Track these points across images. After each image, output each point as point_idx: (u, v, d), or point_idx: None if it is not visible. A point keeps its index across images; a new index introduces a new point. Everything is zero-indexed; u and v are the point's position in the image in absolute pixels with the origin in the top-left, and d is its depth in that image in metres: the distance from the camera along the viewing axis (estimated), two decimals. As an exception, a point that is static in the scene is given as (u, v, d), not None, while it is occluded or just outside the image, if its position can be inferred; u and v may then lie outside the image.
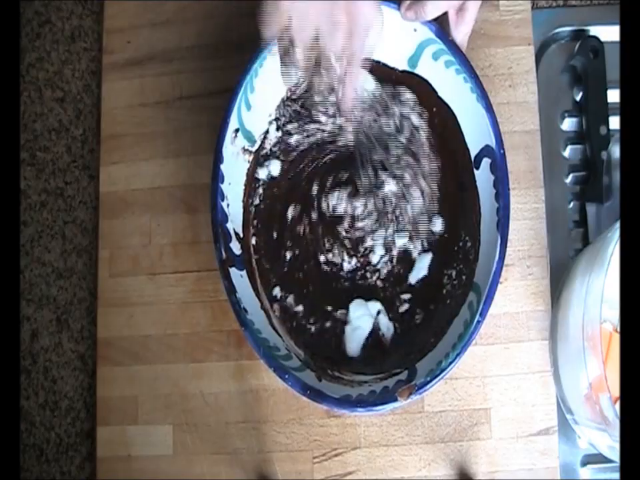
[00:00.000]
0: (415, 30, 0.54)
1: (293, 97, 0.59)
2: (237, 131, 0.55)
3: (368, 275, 0.58)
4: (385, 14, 0.53)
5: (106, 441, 0.60)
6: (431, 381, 0.49)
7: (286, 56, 0.48)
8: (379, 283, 0.58)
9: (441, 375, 0.49)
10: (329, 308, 0.57)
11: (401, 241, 0.58)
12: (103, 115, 0.65)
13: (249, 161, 0.58)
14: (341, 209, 0.59)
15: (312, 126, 0.60)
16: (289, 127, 0.60)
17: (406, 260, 0.58)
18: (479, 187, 0.55)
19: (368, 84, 0.58)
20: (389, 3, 0.53)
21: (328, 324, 0.57)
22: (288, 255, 0.59)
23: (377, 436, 0.58)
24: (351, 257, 0.58)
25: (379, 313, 0.57)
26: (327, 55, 0.48)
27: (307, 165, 0.60)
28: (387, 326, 0.57)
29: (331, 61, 0.48)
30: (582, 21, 0.63)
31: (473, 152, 0.55)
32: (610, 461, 0.56)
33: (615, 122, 0.60)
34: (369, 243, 0.58)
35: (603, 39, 0.61)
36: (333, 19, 0.45)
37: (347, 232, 0.59)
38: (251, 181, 0.58)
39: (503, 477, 0.57)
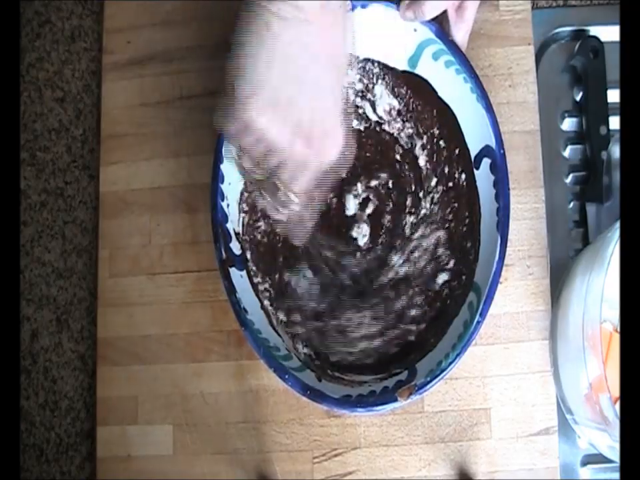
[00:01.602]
0: (415, 30, 0.54)
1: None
2: (237, 130, 0.55)
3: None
4: (384, 14, 0.54)
5: (106, 441, 0.60)
6: (431, 381, 0.49)
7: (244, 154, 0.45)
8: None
9: (441, 375, 0.49)
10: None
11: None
12: (103, 115, 0.65)
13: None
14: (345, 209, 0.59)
15: None
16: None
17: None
18: (479, 187, 0.55)
19: None
20: (388, 2, 0.53)
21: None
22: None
23: (377, 436, 0.58)
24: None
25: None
26: (274, 180, 0.45)
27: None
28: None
29: (276, 187, 0.45)
30: (582, 21, 0.63)
31: (473, 152, 0.55)
32: (610, 461, 0.56)
33: (615, 122, 0.60)
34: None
35: (603, 39, 0.60)
36: (295, 140, 0.41)
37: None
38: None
39: (502, 477, 0.57)
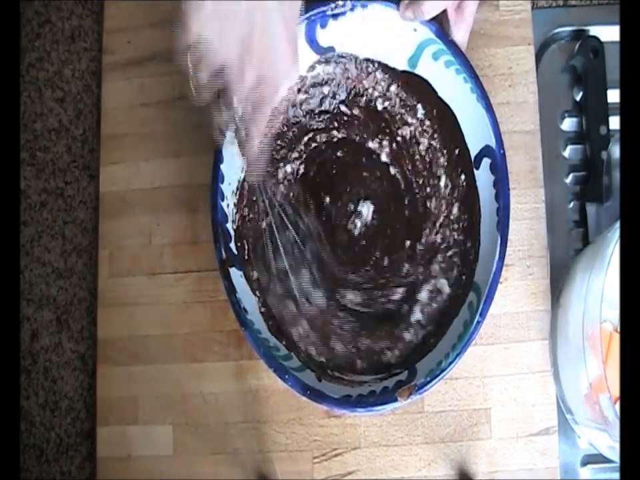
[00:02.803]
0: (415, 30, 0.54)
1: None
2: (237, 130, 0.55)
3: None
4: (384, 14, 0.54)
5: (106, 440, 0.60)
6: (431, 381, 0.49)
7: (195, 72, 0.45)
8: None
9: (441, 375, 0.49)
10: None
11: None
12: (103, 115, 0.65)
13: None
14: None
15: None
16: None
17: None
18: (479, 187, 0.55)
19: None
20: (388, 2, 0.53)
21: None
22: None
23: (377, 436, 0.58)
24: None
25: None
26: (229, 93, 0.44)
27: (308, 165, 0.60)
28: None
29: (233, 100, 0.45)
30: (582, 21, 0.63)
31: (473, 152, 0.55)
32: (610, 461, 0.56)
33: (615, 122, 0.60)
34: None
35: (603, 39, 0.60)
36: (243, 59, 0.42)
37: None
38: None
39: (502, 477, 0.57)
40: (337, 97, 0.60)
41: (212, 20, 0.41)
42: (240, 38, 0.42)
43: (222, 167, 0.53)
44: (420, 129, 0.59)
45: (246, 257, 0.56)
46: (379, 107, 0.60)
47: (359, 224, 0.59)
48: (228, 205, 0.55)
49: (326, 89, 0.59)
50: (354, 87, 0.59)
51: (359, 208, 0.59)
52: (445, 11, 0.52)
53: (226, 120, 0.47)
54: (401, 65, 0.57)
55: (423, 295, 0.57)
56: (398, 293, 0.57)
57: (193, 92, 0.46)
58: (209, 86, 0.44)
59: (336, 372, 0.55)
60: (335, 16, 0.54)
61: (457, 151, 0.57)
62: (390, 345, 0.56)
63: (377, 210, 0.59)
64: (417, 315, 0.56)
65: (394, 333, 0.56)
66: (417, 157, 0.59)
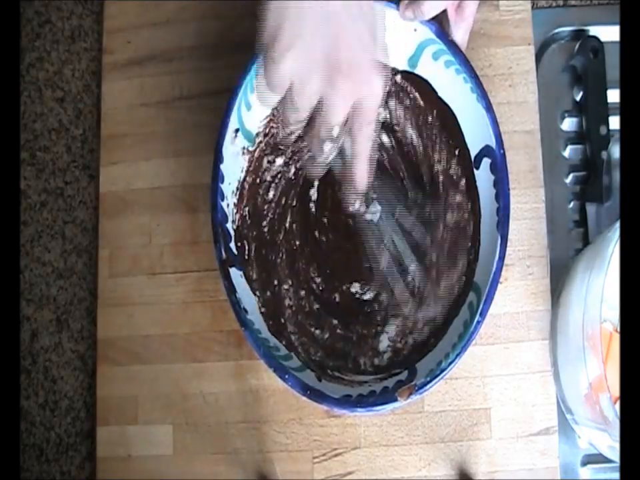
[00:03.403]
0: (415, 30, 0.54)
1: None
2: (237, 131, 0.55)
3: None
4: (384, 14, 0.53)
5: (106, 440, 0.60)
6: (431, 381, 0.49)
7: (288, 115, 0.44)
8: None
9: (441, 375, 0.49)
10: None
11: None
12: (103, 115, 0.65)
13: (249, 161, 0.57)
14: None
15: None
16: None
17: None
18: (479, 187, 0.55)
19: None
20: (388, 2, 0.53)
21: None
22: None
23: (377, 436, 0.58)
24: None
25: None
26: (328, 125, 0.44)
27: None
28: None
29: (332, 132, 0.44)
30: (582, 21, 0.63)
31: (473, 152, 0.55)
32: (610, 461, 0.56)
33: (615, 122, 0.60)
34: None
35: (603, 39, 0.60)
36: (336, 88, 0.42)
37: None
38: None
39: (502, 477, 0.57)
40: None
41: (292, 45, 0.40)
42: (322, 57, 0.41)
43: (222, 167, 0.53)
44: (420, 129, 0.59)
45: (246, 257, 0.56)
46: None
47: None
48: (228, 205, 0.54)
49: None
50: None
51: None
52: (445, 11, 0.52)
53: (327, 152, 0.46)
54: (401, 65, 0.57)
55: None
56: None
57: (285, 136, 0.47)
58: (307, 124, 0.44)
59: (336, 372, 0.55)
60: (335, 16, 0.54)
61: (456, 151, 0.57)
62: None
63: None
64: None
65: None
66: (417, 157, 0.59)
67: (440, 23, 0.53)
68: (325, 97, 0.42)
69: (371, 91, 0.43)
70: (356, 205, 0.51)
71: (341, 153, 0.47)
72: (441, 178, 0.58)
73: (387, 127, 0.60)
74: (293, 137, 0.49)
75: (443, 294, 0.54)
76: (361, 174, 0.47)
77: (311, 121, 0.45)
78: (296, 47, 0.40)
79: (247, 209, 0.57)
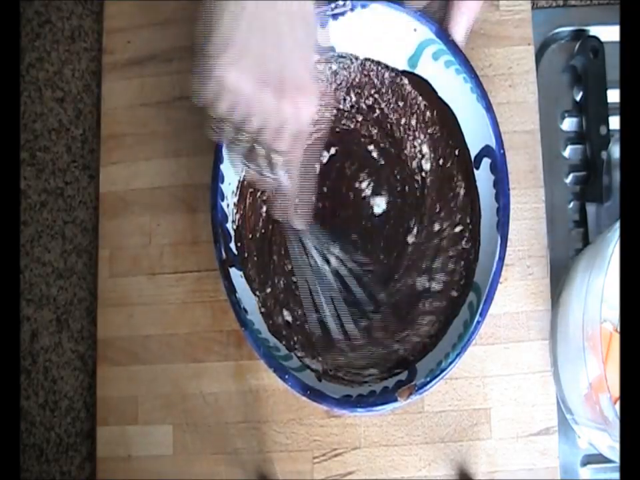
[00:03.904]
0: (415, 30, 0.54)
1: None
2: (237, 130, 0.55)
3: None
4: (384, 14, 0.53)
5: (106, 440, 0.60)
6: (431, 381, 0.49)
7: (232, 144, 0.45)
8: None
9: (441, 375, 0.49)
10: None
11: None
12: (103, 115, 0.65)
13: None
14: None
15: None
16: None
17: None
18: (479, 187, 0.55)
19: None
20: (388, 2, 0.53)
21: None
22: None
23: (377, 436, 0.58)
24: None
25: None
26: (267, 147, 0.45)
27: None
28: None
29: (270, 153, 0.45)
30: (582, 21, 0.63)
31: (473, 152, 0.55)
32: (610, 461, 0.56)
33: (615, 122, 0.60)
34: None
35: (603, 39, 0.60)
36: (280, 114, 0.42)
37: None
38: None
39: (502, 477, 0.57)
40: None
41: (237, 61, 0.40)
42: (264, 73, 0.41)
43: (222, 167, 0.53)
44: (420, 129, 0.59)
45: (246, 257, 0.56)
46: (378, 107, 0.60)
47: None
48: (228, 205, 0.54)
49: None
50: (354, 86, 0.59)
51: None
52: (446, 10, 0.52)
53: (259, 161, 0.47)
54: (401, 65, 0.57)
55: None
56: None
57: (233, 165, 0.47)
58: (241, 131, 0.44)
59: (336, 372, 0.55)
60: (334, 16, 0.54)
61: (456, 151, 0.57)
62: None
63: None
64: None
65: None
66: (417, 157, 0.59)
67: (440, 23, 0.53)
68: (267, 122, 0.42)
69: (304, 108, 0.43)
70: (288, 220, 0.52)
71: (271, 164, 0.47)
72: (441, 177, 0.58)
73: (386, 126, 0.60)
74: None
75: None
76: (291, 185, 0.48)
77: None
78: (246, 59, 0.40)
79: (246, 209, 0.57)
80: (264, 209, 0.58)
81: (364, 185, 0.60)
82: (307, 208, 0.52)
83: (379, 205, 0.60)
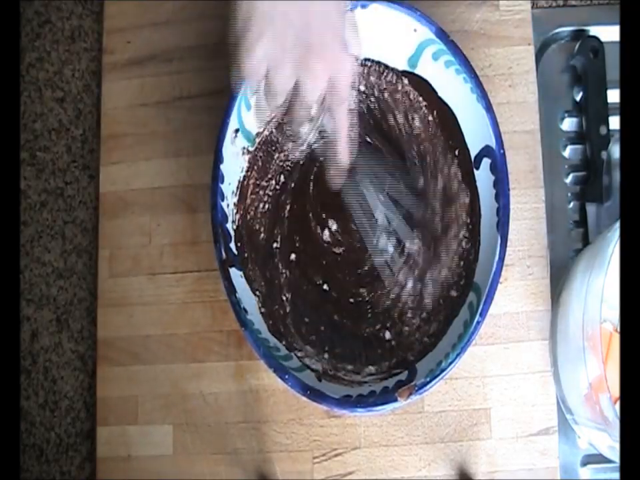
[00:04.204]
0: (415, 30, 0.54)
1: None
2: (237, 131, 0.55)
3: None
4: (384, 14, 0.53)
5: (106, 440, 0.60)
6: (431, 381, 0.49)
7: (261, 99, 0.46)
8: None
9: (441, 375, 0.49)
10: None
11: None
12: (103, 115, 0.65)
13: (249, 161, 0.58)
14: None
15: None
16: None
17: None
18: (479, 187, 0.55)
19: None
20: (388, 2, 0.53)
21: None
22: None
23: (377, 436, 0.58)
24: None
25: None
26: (305, 105, 0.45)
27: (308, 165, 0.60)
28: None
29: (309, 112, 0.46)
30: (582, 21, 0.63)
31: (473, 152, 0.55)
32: (610, 461, 0.56)
33: (615, 122, 0.60)
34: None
35: (603, 39, 0.61)
36: (308, 69, 0.43)
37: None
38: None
39: (502, 477, 0.57)
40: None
41: (265, 32, 0.41)
42: (294, 41, 0.42)
43: (222, 167, 0.53)
44: (420, 129, 0.59)
45: (246, 257, 0.56)
46: (378, 107, 0.60)
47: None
48: (228, 205, 0.55)
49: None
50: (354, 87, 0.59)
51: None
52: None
53: (307, 132, 0.48)
54: (401, 65, 0.57)
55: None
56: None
57: (259, 117, 0.48)
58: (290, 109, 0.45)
59: (336, 372, 0.55)
60: (335, 16, 0.54)
61: (456, 151, 0.57)
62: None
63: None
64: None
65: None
66: (417, 157, 0.59)
67: (440, 25, 0.53)
68: (299, 79, 0.43)
69: (342, 68, 0.44)
70: (340, 184, 0.52)
71: (321, 133, 0.48)
72: (441, 177, 0.58)
73: (384, 127, 0.60)
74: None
75: (442, 272, 0.55)
76: (343, 150, 0.48)
77: (289, 105, 0.46)
78: (266, 34, 0.41)
79: (246, 209, 0.57)
80: (265, 207, 0.59)
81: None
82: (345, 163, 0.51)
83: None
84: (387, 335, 0.57)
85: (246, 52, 0.42)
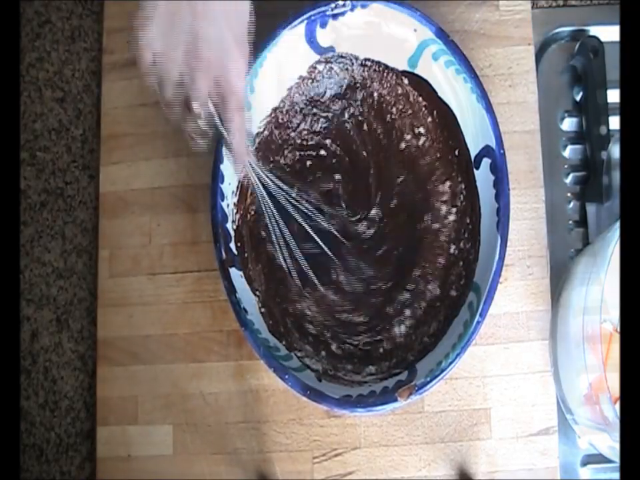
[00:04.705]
0: (415, 30, 0.54)
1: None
2: (237, 130, 0.54)
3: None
4: (384, 14, 0.54)
5: (106, 440, 0.60)
6: (431, 381, 0.49)
7: (159, 88, 0.46)
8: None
9: (441, 375, 0.49)
10: None
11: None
12: (103, 115, 0.65)
13: (249, 161, 0.57)
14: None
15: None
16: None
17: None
18: (479, 187, 0.55)
19: None
20: (388, 2, 0.53)
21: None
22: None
23: (377, 436, 0.58)
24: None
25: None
26: (190, 100, 0.46)
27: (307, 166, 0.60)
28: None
29: (195, 107, 0.46)
30: (582, 21, 0.63)
31: (473, 152, 0.55)
32: (610, 461, 0.56)
33: (615, 122, 0.60)
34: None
35: (603, 39, 0.60)
36: (192, 67, 0.44)
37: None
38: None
39: (502, 477, 0.57)
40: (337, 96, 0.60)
41: (159, 33, 0.43)
42: (186, 47, 0.43)
43: (222, 167, 0.53)
44: (420, 129, 0.59)
45: (246, 257, 0.56)
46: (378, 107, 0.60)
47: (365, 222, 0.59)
48: (228, 205, 0.55)
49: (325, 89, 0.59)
50: (353, 86, 0.59)
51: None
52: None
53: (193, 126, 0.48)
54: (401, 65, 0.57)
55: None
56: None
57: (163, 107, 0.48)
58: (174, 98, 0.46)
59: (336, 372, 0.55)
60: (334, 16, 0.54)
61: (456, 151, 0.57)
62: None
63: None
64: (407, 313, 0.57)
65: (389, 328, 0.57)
66: (417, 157, 0.59)
67: (440, 25, 0.53)
68: (189, 68, 0.44)
69: (231, 66, 0.45)
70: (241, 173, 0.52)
71: (218, 130, 0.49)
72: (441, 177, 0.58)
73: (386, 126, 0.60)
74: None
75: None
76: (237, 145, 0.49)
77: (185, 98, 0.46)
78: (155, 16, 0.43)
79: (246, 209, 0.57)
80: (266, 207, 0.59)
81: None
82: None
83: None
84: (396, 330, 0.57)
85: (140, 27, 0.43)
